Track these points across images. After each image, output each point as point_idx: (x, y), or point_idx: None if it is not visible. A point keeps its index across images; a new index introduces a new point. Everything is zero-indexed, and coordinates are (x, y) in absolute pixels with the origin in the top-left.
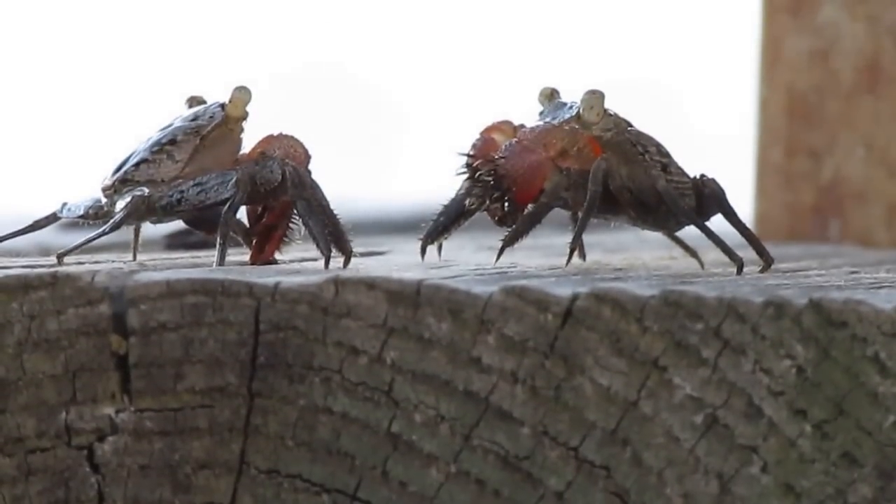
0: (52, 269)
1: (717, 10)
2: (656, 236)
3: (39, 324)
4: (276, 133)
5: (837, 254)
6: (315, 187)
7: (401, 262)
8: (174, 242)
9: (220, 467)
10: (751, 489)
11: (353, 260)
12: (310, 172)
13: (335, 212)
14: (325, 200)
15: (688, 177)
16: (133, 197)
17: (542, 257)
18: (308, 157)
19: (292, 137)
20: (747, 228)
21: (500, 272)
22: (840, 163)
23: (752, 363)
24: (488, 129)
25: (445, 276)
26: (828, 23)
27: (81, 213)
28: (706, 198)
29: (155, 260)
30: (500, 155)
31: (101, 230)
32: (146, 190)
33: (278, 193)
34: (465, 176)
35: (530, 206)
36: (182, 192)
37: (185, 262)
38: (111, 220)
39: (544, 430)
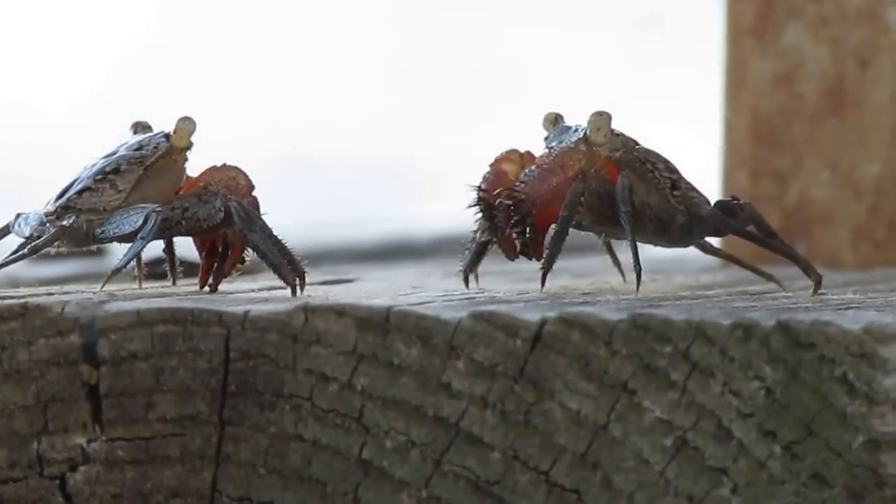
0: (23, 301)
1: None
2: (623, 261)
3: (10, 355)
4: (218, 164)
5: (805, 276)
6: (260, 218)
7: (369, 289)
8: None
9: (192, 496)
10: None
11: (322, 287)
12: (256, 200)
13: (281, 238)
14: (269, 230)
15: (697, 192)
16: (57, 227)
17: (510, 282)
18: (251, 187)
19: (235, 168)
20: (790, 248)
21: (469, 298)
22: (806, 186)
23: (721, 385)
24: (497, 161)
25: (414, 303)
26: (792, 46)
27: (27, 234)
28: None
29: (124, 290)
30: (521, 180)
31: (16, 254)
32: (72, 220)
33: (220, 227)
34: (476, 209)
35: (552, 227)
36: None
37: (155, 292)
38: (24, 249)
39: (515, 454)
